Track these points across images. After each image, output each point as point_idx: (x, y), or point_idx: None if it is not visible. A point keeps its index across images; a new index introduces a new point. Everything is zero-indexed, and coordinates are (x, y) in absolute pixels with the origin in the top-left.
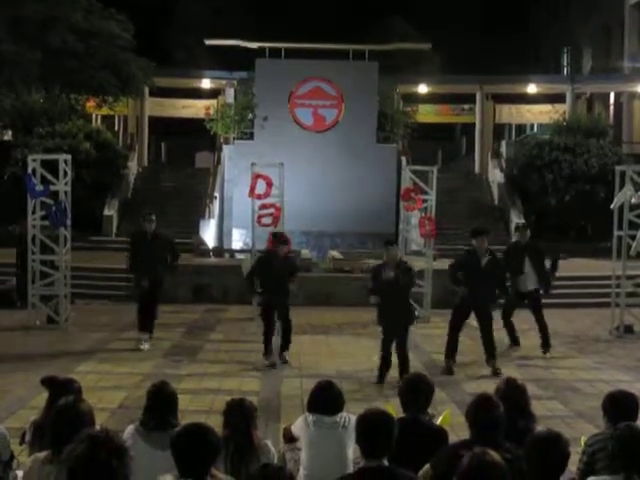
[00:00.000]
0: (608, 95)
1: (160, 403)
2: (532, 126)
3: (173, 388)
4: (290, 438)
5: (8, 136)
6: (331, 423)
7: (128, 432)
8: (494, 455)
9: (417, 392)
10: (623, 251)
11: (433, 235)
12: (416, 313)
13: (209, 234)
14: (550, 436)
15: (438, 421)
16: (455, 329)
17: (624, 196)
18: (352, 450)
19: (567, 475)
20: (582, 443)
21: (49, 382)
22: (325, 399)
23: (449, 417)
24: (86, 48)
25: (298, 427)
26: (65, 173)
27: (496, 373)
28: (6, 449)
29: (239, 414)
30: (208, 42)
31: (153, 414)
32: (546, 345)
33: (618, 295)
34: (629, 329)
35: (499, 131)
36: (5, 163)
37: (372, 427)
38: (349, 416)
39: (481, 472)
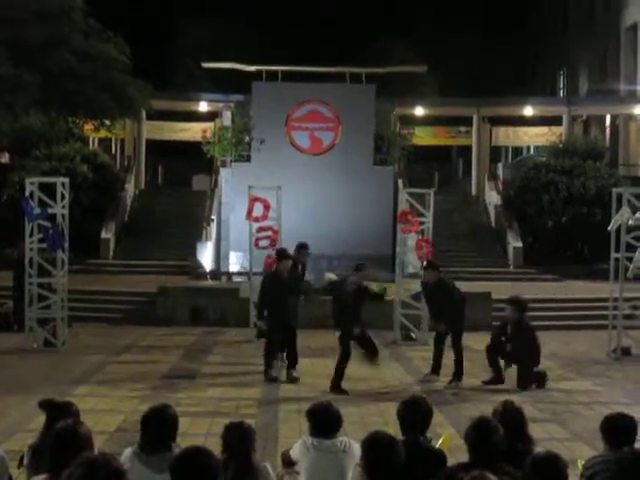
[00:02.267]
0: (604, 117)
1: (159, 426)
2: (529, 148)
3: (174, 411)
4: (289, 462)
5: (5, 159)
6: (331, 447)
7: (126, 455)
8: (492, 478)
9: (416, 415)
10: (620, 273)
11: (430, 257)
12: (412, 335)
13: (206, 257)
14: (549, 457)
15: (438, 444)
16: None
17: (621, 218)
18: (351, 475)
19: None
20: (580, 466)
21: (47, 405)
22: (325, 419)
23: (448, 440)
24: (85, 71)
25: (297, 451)
26: (62, 196)
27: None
28: (4, 472)
29: (238, 437)
30: (205, 65)
31: (149, 437)
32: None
33: (615, 317)
34: (627, 351)
35: (496, 153)
36: (2, 186)
37: (380, 451)
38: (349, 440)
39: None
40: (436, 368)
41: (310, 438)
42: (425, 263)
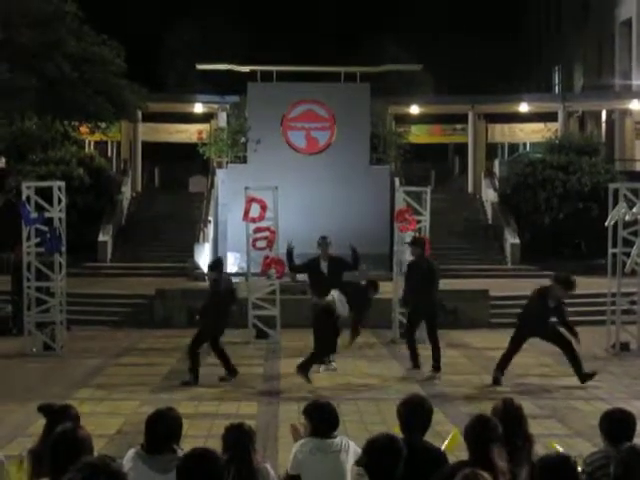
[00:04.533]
0: (600, 113)
1: (161, 428)
2: (525, 145)
3: (177, 413)
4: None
5: (1, 163)
6: (333, 447)
7: (129, 456)
8: (485, 476)
9: (416, 414)
10: (618, 268)
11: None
12: None
13: (203, 258)
14: (560, 459)
15: (446, 442)
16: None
17: (618, 213)
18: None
19: None
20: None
21: (46, 409)
22: (324, 417)
23: (458, 437)
24: (81, 74)
25: (297, 459)
26: (59, 200)
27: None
28: (4, 478)
29: (238, 438)
30: (200, 67)
31: (153, 438)
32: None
33: (614, 313)
34: (625, 346)
35: (492, 150)
36: None
37: (382, 452)
38: (347, 440)
39: None
40: (415, 361)
41: (310, 441)
42: (411, 239)
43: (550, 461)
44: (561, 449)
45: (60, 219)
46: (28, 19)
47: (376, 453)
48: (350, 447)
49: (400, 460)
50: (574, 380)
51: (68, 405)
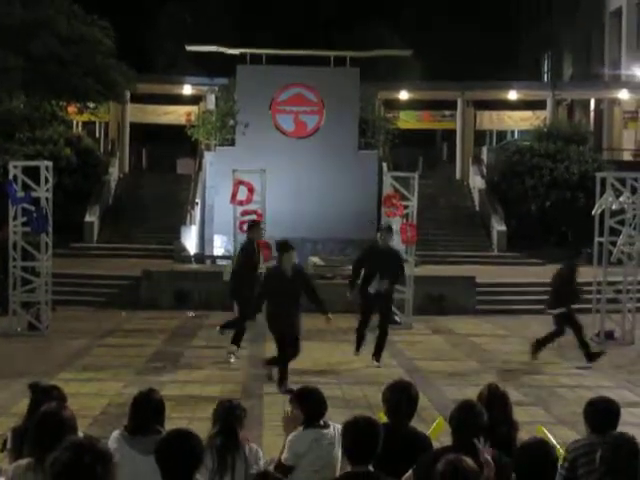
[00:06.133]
0: (589, 102)
1: (146, 410)
2: (513, 132)
3: (160, 395)
4: (284, 471)
5: None
6: (329, 439)
7: (113, 437)
8: (468, 461)
9: (402, 399)
10: (604, 257)
11: (414, 241)
12: (397, 319)
13: (190, 240)
14: (538, 443)
15: (431, 429)
16: None
17: (605, 202)
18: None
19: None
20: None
21: (34, 387)
22: (316, 404)
23: (442, 424)
24: (69, 54)
25: (294, 449)
26: (46, 180)
27: None
28: None
29: (226, 412)
30: (189, 48)
31: (138, 420)
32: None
33: (599, 301)
34: (610, 335)
35: (480, 137)
36: None
37: (360, 433)
38: (339, 427)
39: (455, 478)
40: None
41: (307, 432)
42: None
43: (529, 446)
44: (549, 434)
45: (47, 199)
46: None
47: (352, 434)
48: (338, 432)
49: (377, 440)
50: (558, 367)
51: (55, 386)
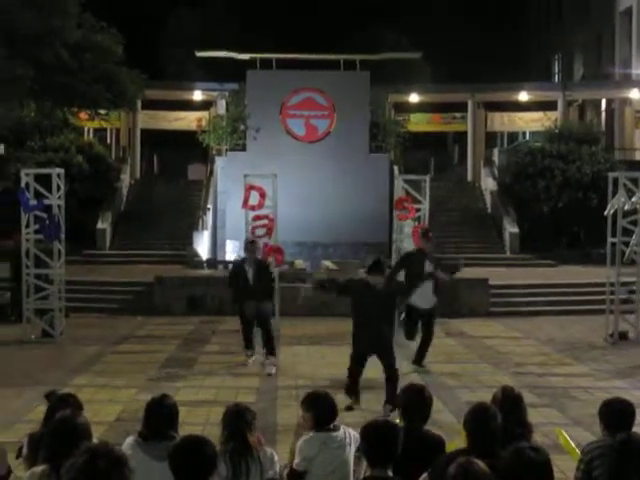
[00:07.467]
0: (600, 102)
1: (160, 416)
2: (524, 134)
3: (174, 401)
4: (298, 476)
5: (0, 150)
6: (339, 442)
7: (127, 443)
8: (480, 464)
9: (416, 402)
10: (617, 258)
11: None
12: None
13: (202, 246)
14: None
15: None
16: None
17: (617, 203)
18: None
19: None
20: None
21: (50, 396)
22: (326, 408)
23: (563, 437)
24: (79, 62)
25: (307, 447)
26: (58, 187)
27: None
28: (3, 463)
29: (234, 416)
30: (199, 54)
31: (152, 426)
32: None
33: (612, 302)
34: (624, 336)
35: (491, 139)
36: None
37: (379, 437)
38: (349, 430)
39: None
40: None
41: (316, 436)
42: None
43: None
44: (567, 437)
45: (59, 206)
46: (27, 4)
47: (372, 437)
48: (352, 437)
49: (396, 443)
50: (573, 369)
51: (71, 393)
